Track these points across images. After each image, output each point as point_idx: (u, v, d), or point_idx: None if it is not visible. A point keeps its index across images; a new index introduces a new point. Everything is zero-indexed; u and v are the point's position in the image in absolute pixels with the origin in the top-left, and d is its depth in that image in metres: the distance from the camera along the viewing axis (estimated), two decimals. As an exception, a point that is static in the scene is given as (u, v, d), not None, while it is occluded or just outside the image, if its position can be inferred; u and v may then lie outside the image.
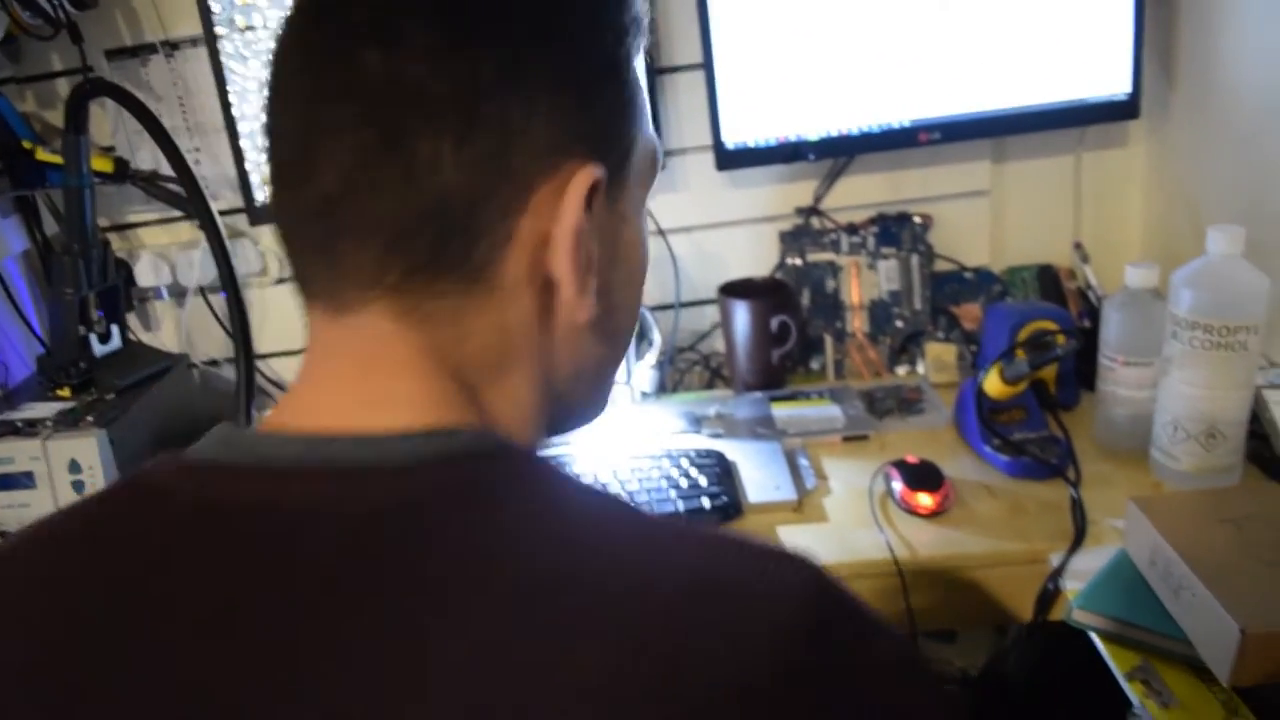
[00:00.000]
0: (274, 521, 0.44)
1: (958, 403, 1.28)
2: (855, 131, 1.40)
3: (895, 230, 1.51)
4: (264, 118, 0.52)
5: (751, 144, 1.41)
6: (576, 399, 0.59)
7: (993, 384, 1.18)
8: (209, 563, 0.44)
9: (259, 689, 0.40)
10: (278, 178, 0.51)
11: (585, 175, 0.50)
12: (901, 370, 1.50)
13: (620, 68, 0.53)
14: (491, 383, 0.52)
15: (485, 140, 0.47)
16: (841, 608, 0.43)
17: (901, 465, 1.14)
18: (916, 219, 1.51)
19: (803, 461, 1.23)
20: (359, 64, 0.47)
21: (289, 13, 0.51)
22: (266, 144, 0.52)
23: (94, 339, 1.39)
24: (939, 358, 1.43)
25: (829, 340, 1.51)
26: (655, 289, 1.55)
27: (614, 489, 1.18)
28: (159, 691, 0.41)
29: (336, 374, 0.51)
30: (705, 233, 1.54)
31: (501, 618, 0.39)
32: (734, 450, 1.25)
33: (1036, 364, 1.15)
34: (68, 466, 1.20)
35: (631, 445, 1.28)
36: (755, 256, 1.54)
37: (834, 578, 0.43)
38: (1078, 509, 1.06)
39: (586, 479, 0.50)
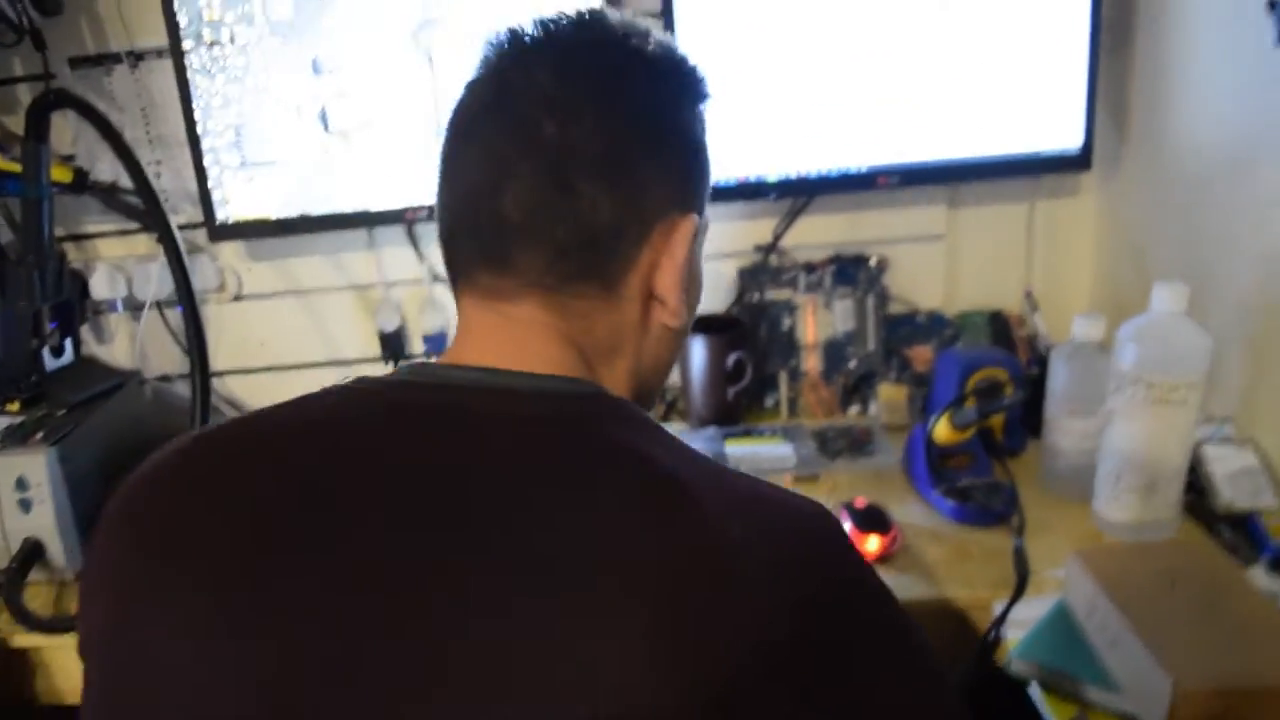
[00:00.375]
0: (465, 421, 0.59)
1: (907, 446, 1.30)
2: (815, 174, 1.42)
3: (852, 271, 1.53)
4: (449, 142, 0.68)
5: (713, 182, 1.42)
6: (650, 386, 0.75)
7: (942, 430, 1.20)
8: (414, 446, 0.58)
9: (441, 567, 0.52)
10: (464, 194, 0.66)
11: (690, 223, 0.67)
12: (853, 410, 1.52)
13: (703, 146, 0.71)
14: (603, 363, 0.68)
15: (629, 191, 0.64)
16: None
17: (851, 508, 1.16)
18: (873, 260, 1.53)
19: (754, 499, 1.25)
20: (540, 129, 0.62)
21: (475, 74, 0.68)
22: (447, 163, 0.68)
23: (46, 352, 1.38)
24: (890, 399, 1.45)
25: (783, 378, 1.53)
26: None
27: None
28: (347, 570, 0.53)
29: (497, 338, 0.66)
30: (665, 266, 1.55)
31: (630, 500, 0.54)
32: (686, 485, 1.27)
33: (985, 412, 1.17)
34: (14, 484, 1.18)
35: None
36: (713, 291, 1.56)
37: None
38: (1020, 557, 1.08)
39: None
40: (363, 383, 0.64)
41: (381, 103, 1.39)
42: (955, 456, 1.25)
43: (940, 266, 1.56)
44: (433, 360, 0.68)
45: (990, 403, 1.17)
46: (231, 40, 1.37)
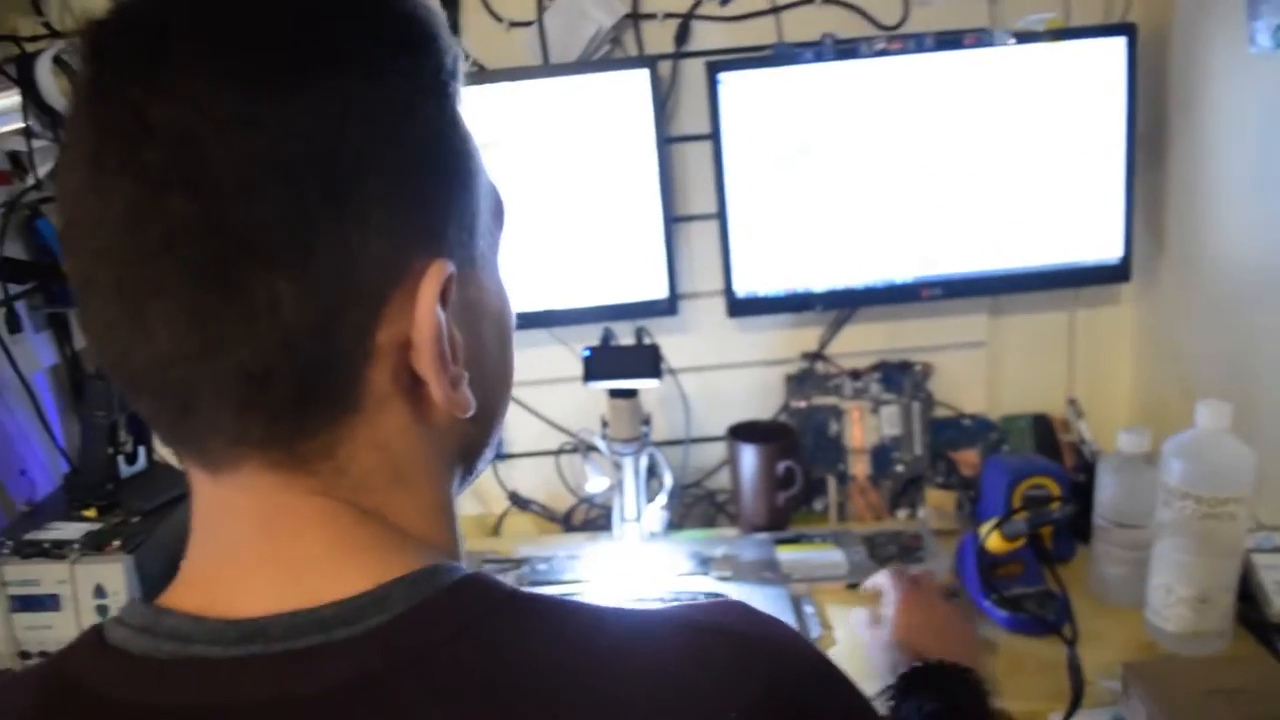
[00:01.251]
0: None
1: (958, 554, 1.33)
2: (860, 286, 1.47)
3: (897, 377, 1.57)
4: (68, 263, 0.46)
5: (761, 293, 1.48)
6: (479, 459, 0.58)
7: (993, 541, 1.23)
8: None
9: None
10: (104, 339, 0.46)
11: (434, 275, 0.47)
12: (902, 514, 1.54)
13: (443, 140, 0.49)
14: (392, 499, 0.49)
15: (324, 269, 0.44)
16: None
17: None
18: (917, 367, 1.57)
19: (808, 609, 1.27)
20: (172, 212, 0.42)
21: (65, 144, 0.45)
22: (80, 294, 0.46)
23: (121, 460, 1.43)
24: (939, 505, 1.48)
25: (832, 482, 1.57)
26: (664, 426, 1.60)
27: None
28: None
29: (239, 540, 0.48)
30: (714, 373, 1.60)
31: None
32: (741, 595, 1.29)
33: (1035, 524, 1.20)
34: (93, 591, 1.23)
35: (639, 586, 1.32)
36: (762, 398, 1.60)
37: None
38: (1075, 669, 1.10)
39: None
40: (83, 673, 0.46)
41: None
42: (1006, 565, 1.27)
43: (983, 372, 1.59)
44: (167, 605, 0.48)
45: (1040, 515, 1.19)
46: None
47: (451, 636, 0.44)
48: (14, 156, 1.42)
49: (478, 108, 1.42)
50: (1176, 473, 1.10)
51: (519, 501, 1.63)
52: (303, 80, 0.43)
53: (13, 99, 1.23)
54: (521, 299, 1.47)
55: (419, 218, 0.47)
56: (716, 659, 0.47)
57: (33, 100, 1.22)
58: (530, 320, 1.49)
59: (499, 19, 1.46)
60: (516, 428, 1.62)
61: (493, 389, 0.56)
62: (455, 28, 1.46)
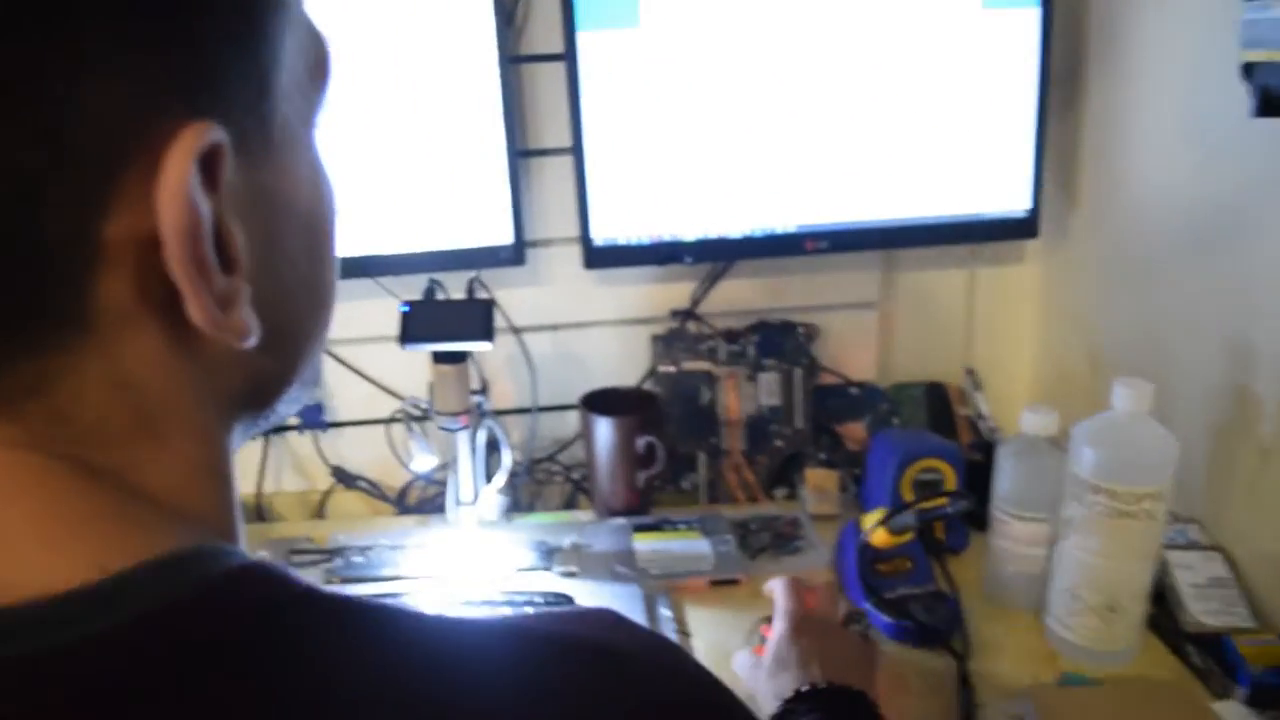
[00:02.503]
0: None
1: (838, 547, 1.16)
2: (737, 236, 1.27)
3: (777, 340, 1.39)
4: None
5: (622, 241, 1.27)
6: (274, 401, 0.44)
7: (878, 536, 1.06)
8: None
9: None
10: None
11: (187, 142, 0.33)
12: (780, 495, 1.37)
13: None
14: (137, 455, 0.36)
15: (7, 120, 0.30)
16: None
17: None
18: (800, 329, 1.39)
19: (664, 611, 1.09)
20: None
21: None
22: None
23: None
24: (820, 486, 1.30)
25: (702, 458, 1.38)
26: (511, 392, 1.40)
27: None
28: None
29: None
30: (569, 332, 1.39)
31: None
32: (587, 594, 1.11)
33: (924, 519, 1.03)
34: None
35: (469, 584, 1.12)
36: (624, 361, 1.41)
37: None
38: (966, 689, 0.94)
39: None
40: None
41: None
42: (891, 560, 1.11)
43: (873, 336, 1.42)
44: None
45: (931, 510, 1.03)
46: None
47: (210, 650, 0.32)
48: None
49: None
50: (1088, 462, 0.94)
51: (344, 478, 1.41)
52: None
53: None
54: (339, 241, 1.24)
55: (171, 59, 0.33)
56: (571, 678, 0.36)
57: None
58: (352, 268, 1.26)
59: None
60: (341, 393, 1.40)
61: (297, 309, 0.42)
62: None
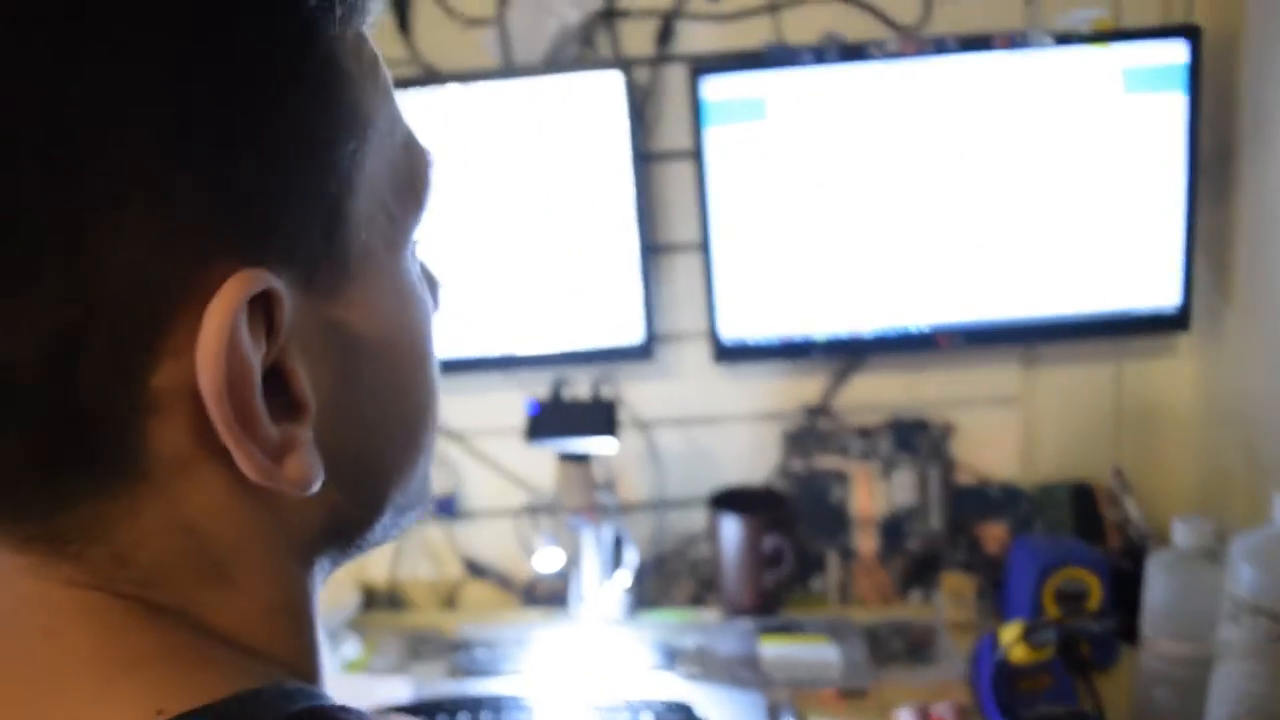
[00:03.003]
0: None
1: (974, 659, 1.10)
2: (869, 334, 1.25)
3: (912, 437, 1.35)
4: None
5: (751, 341, 1.26)
6: (360, 539, 0.41)
7: (1017, 652, 1.00)
8: None
9: None
10: None
11: (229, 294, 0.31)
12: (914, 599, 1.32)
13: (276, 85, 0.33)
14: (204, 596, 0.35)
15: (51, 282, 0.29)
16: None
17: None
18: (936, 426, 1.35)
19: (788, 721, 1.05)
20: None
21: None
22: None
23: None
24: (957, 591, 1.25)
25: (833, 558, 1.34)
26: (637, 487, 1.39)
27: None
28: None
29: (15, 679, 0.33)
30: (698, 427, 1.38)
31: None
32: (708, 700, 1.08)
33: (1067, 635, 0.97)
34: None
35: (588, 687, 1.10)
36: (753, 457, 1.38)
37: None
38: (1113, 826, 0.87)
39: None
40: None
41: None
42: (1032, 676, 1.04)
43: (1014, 433, 1.36)
44: None
45: (1075, 626, 0.98)
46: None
47: None
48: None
49: (424, 114, 1.24)
50: (1247, 581, 0.87)
51: (474, 568, 1.42)
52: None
53: None
54: (470, 341, 1.28)
55: (217, 200, 0.31)
56: None
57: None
58: (486, 366, 1.29)
59: (454, 15, 1.27)
60: (473, 482, 1.42)
61: (378, 444, 0.40)
62: (404, 25, 1.28)
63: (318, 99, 0.34)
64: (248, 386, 0.32)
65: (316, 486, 0.35)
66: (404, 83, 1.23)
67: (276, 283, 0.32)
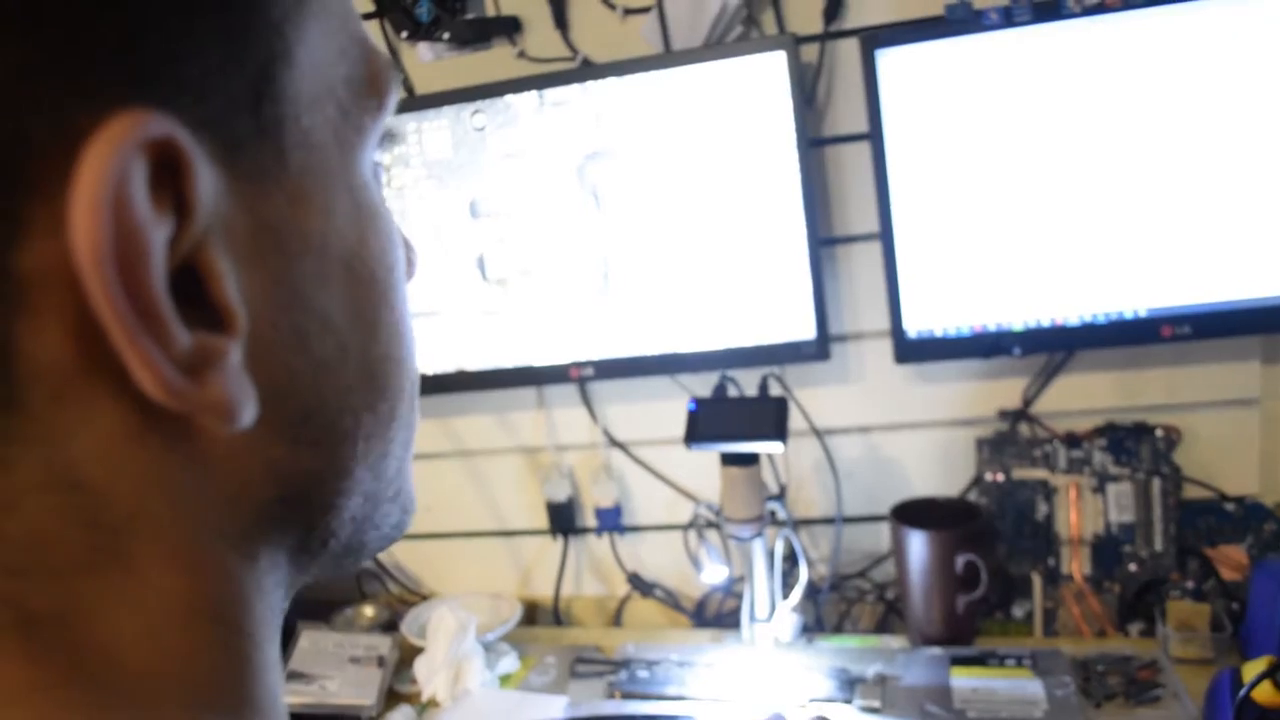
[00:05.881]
0: None
1: (1209, 700, 0.94)
2: (1076, 323, 1.10)
3: (1130, 445, 1.18)
4: None
5: (939, 334, 1.14)
6: (331, 517, 0.31)
7: (1263, 691, 0.84)
8: None
9: None
10: None
11: (115, 132, 0.23)
12: (1134, 631, 1.15)
13: None
14: (97, 585, 0.25)
15: None
16: None
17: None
18: (1159, 431, 1.18)
19: (981, 766, 0.92)
20: None
21: None
22: None
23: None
24: (1186, 623, 1.08)
25: (1037, 582, 1.19)
26: (815, 500, 1.28)
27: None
28: None
29: None
30: (881, 435, 1.26)
31: None
32: (890, 736, 0.96)
33: (1327, 674, 0.81)
34: None
35: (753, 715, 1.00)
36: (944, 468, 1.25)
37: None
38: None
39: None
40: None
41: (542, 248, 1.22)
42: (1282, 723, 0.88)
43: (1255, 440, 1.17)
44: None
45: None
46: (389, 184, 1.26)
47: None
48: None
49: (585, 110, 1.19)
50: None
51: (640, 585, 1.35)
52: None
53: None
54: (635, 340, 1.21)
55: (96, 31, 0.23)
56: None
57: None
58: (648, 366, 1.22)
59: (613, 6, 1.22)
60: (639, 495, 1.35)
61: (336, 387, 0.30)
62: (562, 20, 1.23)
63: None
64: (142, 264, 0.24)
65: (247, 418, 0.26)
66: (563, 77, 1.18)
67: (183, 134, 0.24)
